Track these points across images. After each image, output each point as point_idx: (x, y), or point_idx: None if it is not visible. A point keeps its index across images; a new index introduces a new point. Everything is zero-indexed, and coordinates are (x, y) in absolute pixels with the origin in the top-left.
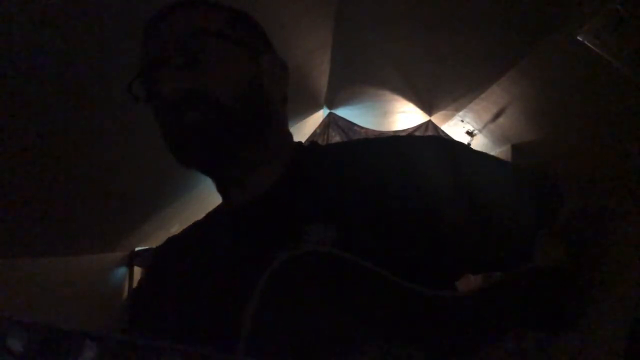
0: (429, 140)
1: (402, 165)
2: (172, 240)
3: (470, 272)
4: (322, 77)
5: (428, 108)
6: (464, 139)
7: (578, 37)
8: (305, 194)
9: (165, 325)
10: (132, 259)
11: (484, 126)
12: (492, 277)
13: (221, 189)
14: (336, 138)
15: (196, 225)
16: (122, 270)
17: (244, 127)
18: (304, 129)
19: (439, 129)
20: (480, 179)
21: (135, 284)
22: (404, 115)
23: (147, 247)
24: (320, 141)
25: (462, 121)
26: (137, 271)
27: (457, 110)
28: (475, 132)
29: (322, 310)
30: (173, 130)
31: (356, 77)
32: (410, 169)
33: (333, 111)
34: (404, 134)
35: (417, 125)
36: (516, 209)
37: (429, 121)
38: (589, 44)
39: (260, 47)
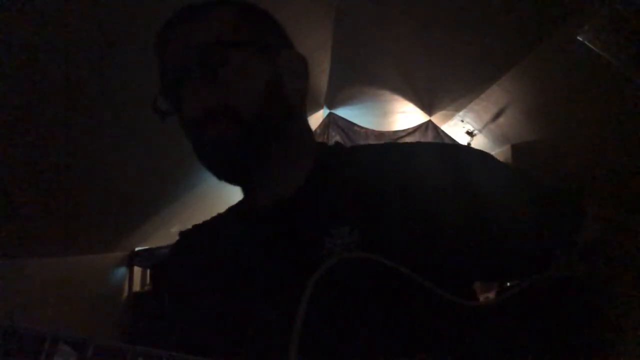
0: (453, 148)
1: (426, 172)
2: (196, 229)
3: (483, 280)
4: (322, 77)
5: (428, 108)
6: (464, 139)
7: (578, 37)
8: (331, 196)
9: (182, 320)
10: (132, 259)
11: (484, 126)
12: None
13: (245, 191)
14: (336, 138)
15: (220, 218)
16: (122, 270)
17: (266, 136)
18: None
19: (439, 129)
20: (501, 190)
21: (134, 284)
22: (404, 115)
23: (147, 247)
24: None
25: (462, 121)
26: (137, 271)
27: (457, 110)
28: (475, 132)
29: (367, 319)
30: (198, 145)
31: (356, 77)
32: (434, 176)
33: (333, 111)
34: (403, 133)
35: (417, 125)
36: (534, 224)
37: (429, 121)
38: (589, 44)
39: (276, 43)
